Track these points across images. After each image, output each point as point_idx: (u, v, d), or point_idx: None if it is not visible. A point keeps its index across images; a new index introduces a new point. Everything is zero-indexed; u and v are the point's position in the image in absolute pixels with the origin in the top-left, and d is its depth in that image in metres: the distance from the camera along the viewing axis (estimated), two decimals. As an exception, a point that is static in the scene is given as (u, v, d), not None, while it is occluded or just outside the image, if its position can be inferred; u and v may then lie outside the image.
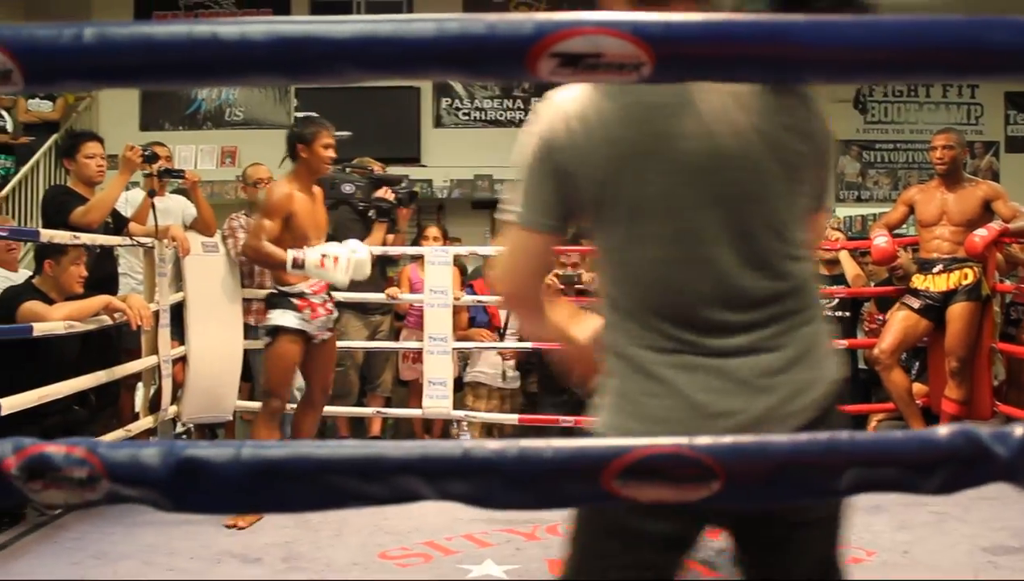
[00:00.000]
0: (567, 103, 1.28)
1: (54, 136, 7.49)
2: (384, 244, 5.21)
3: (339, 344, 5.23)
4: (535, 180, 1.30)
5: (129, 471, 0.71)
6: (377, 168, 5.58)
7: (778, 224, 1.28)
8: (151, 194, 4.47)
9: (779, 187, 1.27)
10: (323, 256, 3.73)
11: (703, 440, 0.69)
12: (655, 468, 0.69)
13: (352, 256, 3.80)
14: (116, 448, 0.71)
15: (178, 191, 5.06)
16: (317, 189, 4.00)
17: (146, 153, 4.39)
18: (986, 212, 4.57)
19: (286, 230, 3.75)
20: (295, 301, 3.85)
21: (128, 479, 0.71)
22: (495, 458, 0.68)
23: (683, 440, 0.69)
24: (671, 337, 1.27)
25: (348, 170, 5.48)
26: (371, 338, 5.32)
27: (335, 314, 4.07)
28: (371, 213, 5.26)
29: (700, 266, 1.26)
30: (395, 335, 5.59)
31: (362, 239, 5.25)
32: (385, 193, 5.21)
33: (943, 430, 0.73)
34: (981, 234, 4.45)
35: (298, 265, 3.69)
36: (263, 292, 5.08)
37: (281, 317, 3.84)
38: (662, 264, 1.28)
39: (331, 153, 3.87)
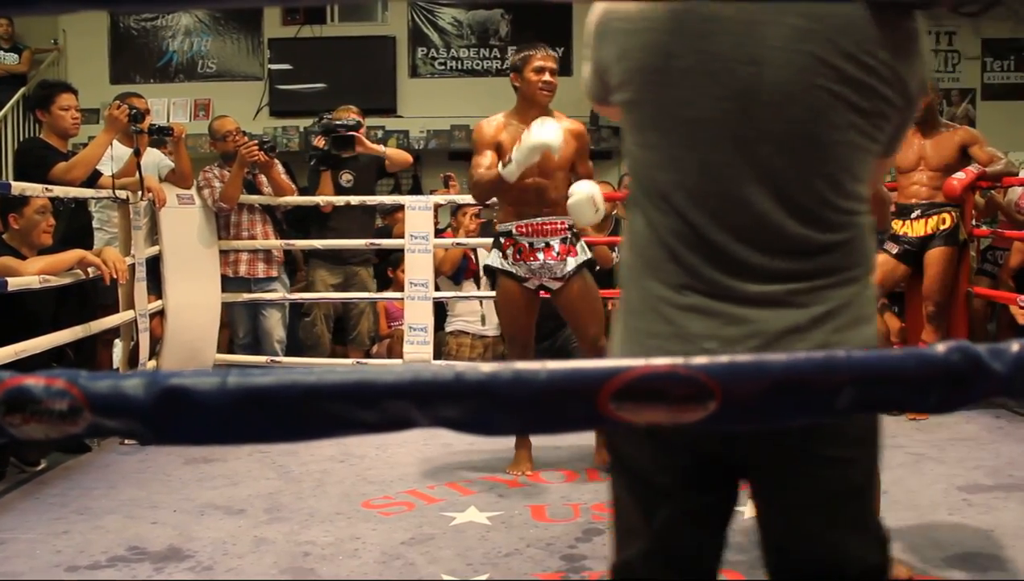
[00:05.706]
0: None
1: (21, 89, 7.34)
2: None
3: (306, 296, 5.23)
4: None
5: (111, 402, 0.69)
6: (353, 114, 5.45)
7: (837, 172, 1.17)
8: (137, 153, 4.40)
9: (846, 135, 1.15)
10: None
11: (699, 359, 0.68)
12: (651, 388, 0.67)
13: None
14: (97, 378, 0.69)
15: (153, 144, 4.98)
16: (568, 121, 3.66)
17: (132, 112, 4.32)
18: (963, 157, 4.59)
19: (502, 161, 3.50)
20: (501, 240, 3.71)
21: (110, 410, 0.69)
22: (488, 381, 0.66)
23: (678, 359, 0.68)
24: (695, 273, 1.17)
25: (325, 120, 5.41)
26: (346, 287, 5.28)
27: (570, 261, 3.68)
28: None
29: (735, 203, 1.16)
30: (378, 286, 5.59)
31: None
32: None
33: (940, 347, 0.72)
34: (959, 177, 4.48)
35: (507, 162, 3.37)
36: (239, 243, 5.05)
37: (488, 257, 3.81)
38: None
39: (545, 76, 3.56)
